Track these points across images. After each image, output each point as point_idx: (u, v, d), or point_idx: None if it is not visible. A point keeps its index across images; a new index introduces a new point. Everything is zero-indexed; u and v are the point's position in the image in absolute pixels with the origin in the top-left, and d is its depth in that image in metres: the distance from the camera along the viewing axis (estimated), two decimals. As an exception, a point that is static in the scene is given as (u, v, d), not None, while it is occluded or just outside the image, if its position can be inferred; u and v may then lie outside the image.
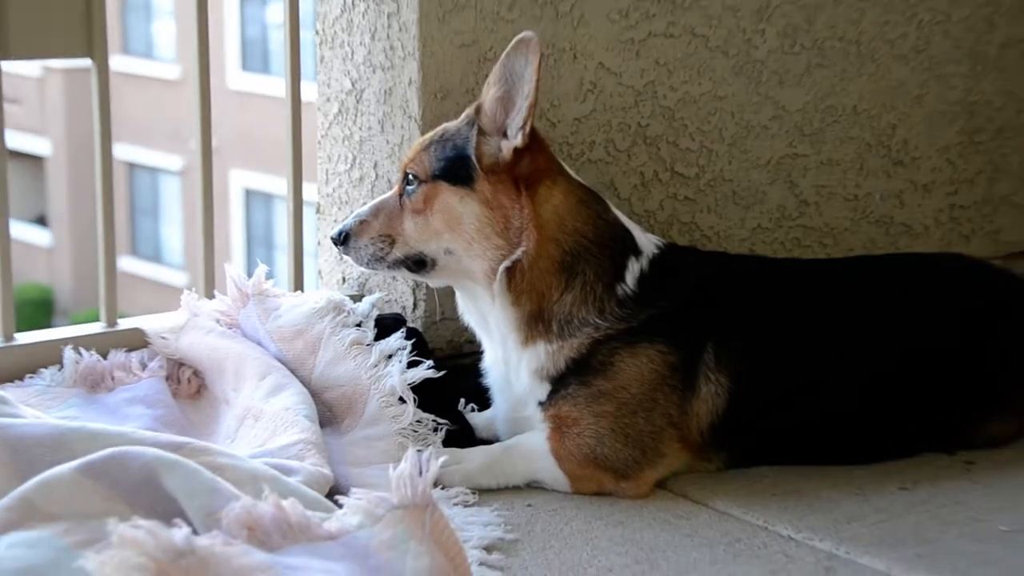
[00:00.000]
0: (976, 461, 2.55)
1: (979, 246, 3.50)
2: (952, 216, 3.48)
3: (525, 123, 2.33)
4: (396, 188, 2.48)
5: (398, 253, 2.43)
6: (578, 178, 2.50)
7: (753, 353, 2.44)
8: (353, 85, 2.89)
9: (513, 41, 2.33)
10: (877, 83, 3.30)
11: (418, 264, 2.44)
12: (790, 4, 3.14)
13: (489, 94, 2.36)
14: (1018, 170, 3.55)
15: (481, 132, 2.38)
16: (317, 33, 2.96)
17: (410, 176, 2.43)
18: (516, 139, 2.36)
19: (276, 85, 13.67)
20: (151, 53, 16.41)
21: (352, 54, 2.88)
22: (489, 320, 2.45)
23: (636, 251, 2.45)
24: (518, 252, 2.37)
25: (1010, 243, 3.57)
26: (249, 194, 15.62)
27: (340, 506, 1.90)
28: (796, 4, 3.15)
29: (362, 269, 2.52)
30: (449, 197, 2.39)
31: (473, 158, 2.37)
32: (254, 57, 15.55)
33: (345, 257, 2.50)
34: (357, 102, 2.90)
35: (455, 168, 2.39)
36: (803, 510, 2.32)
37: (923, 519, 2.30)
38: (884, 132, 3.33)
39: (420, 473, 1.82)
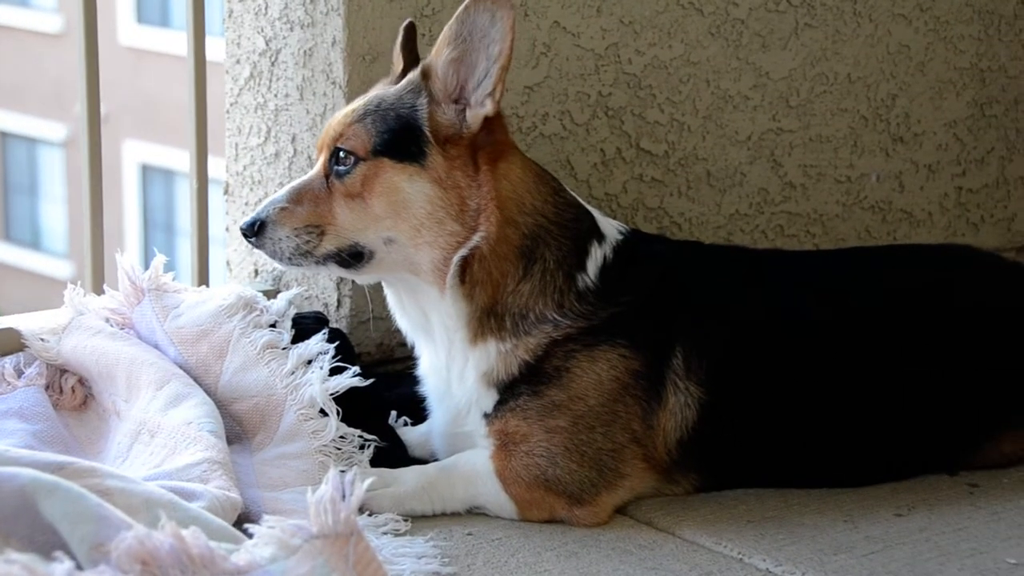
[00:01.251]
0: (980, 484, 2.61)
1: (989, 236, 3.57)
2: (959, 201, 3.54)
3: (495, 88, 2.36)
4: (319, 168, 2.46)
5: (329, 246, 2.42)
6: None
7: (728, 358, 2.49)
8: (267, 44, 2.91)
9: None
10: (875, 47, 3.35)
11: (354, 257, 2.43)
12: (775, -45, 3.19)
13: (442, 56, 2.38)
14: (1035, 149, 3.62)
15: (432, 100, 2.40)
16: (225, -17, 2.97)
17: (342, 153, 2.42)
18: (486, 106, 2.38)
19: (177, 42, 13.56)
20: (27, 0, 16.23)
21: (266, 8, 2.90)
22: (432, 318, 2.48)
23: (599, 235, 2.49)
24: (476, 238, 2.39)
25: (1025, 232, 3.64)
26: (145, 170, 15.51)
27: (250, 536, 1.92)
28: (782, -45, 3.19)
29: (277, 265, 2.50)
30: (394, 176, 2.40)
31: (426, 130, 2.39)
32: (151, 8, 15.43)
33: (258, 251, 2.49)
34: (272, 64, 2.91)
35: (401, 142, 2.40)
36: (784, 539, 2.37)
37: (920, 549, 2.35)
38: (882, 104, 3.38)
39: (343, 497, 1.84)
